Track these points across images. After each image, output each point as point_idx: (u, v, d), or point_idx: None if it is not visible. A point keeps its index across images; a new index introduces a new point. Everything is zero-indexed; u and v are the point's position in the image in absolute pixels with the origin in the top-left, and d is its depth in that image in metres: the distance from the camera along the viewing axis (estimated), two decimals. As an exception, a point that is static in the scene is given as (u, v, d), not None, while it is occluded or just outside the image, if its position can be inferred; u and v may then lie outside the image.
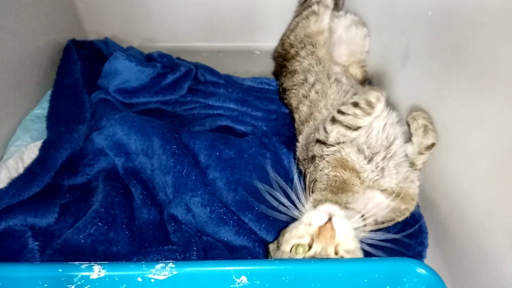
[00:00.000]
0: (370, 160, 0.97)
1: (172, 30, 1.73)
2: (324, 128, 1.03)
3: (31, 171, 1.05)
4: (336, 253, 0.81)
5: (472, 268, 0.92)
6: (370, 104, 1.01)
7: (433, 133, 1.00)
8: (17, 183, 1.01)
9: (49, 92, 1.35)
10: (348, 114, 1.00)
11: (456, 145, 0.97)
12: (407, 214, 0.99)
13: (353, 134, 1.01)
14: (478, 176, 0.89)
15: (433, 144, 1.00)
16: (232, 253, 0.98)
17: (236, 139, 1.17)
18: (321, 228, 0.81)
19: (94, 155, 1.18)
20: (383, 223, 0.95)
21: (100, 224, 1.01)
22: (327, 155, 1.00)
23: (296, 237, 0.83)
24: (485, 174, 0.87)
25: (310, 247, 0.81)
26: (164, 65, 1.41)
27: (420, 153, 1.01)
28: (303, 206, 0.89)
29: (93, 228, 1.00)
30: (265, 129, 1.27)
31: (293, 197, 0.92)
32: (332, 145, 1.01)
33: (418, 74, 1.15)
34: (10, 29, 1.21)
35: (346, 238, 0.82)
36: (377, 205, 0.94)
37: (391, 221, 0.98)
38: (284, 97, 1.31)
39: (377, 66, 1.35)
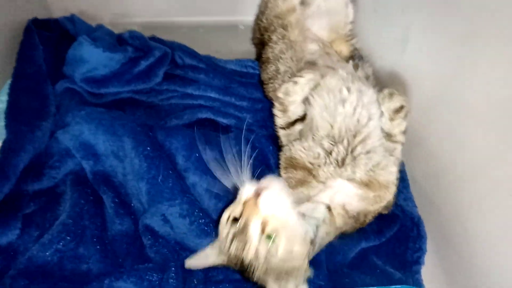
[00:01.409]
0: (329, 153, 0.86)
1: (147, 4, 1.55)
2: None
3: (-13, 182, 0.94)
4: (263, 231, 0.74)
5: (473, 278, 0.85)
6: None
7: (400, 97, 0.91)
8: (-30, 198, 0.90)
9: (9, 82, 1.20)
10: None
11: (461, 145, 0.88)
12: (382, 203, 0.89)
13: (290, 131, 0.95)
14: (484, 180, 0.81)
15: (401, 107, 0.90)
16: (214, 268, 0.89)
17: (217, 136, 1.05)
18: (247, 201, 0.77)
19: (61, 156, 1.05)
20: (358, 214, 0.87)
21: (68, 238, 0.92)
22: (280, 158, 0.93)
23: (231, 209, 0.80)
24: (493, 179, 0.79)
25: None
26: (136, 48, 1.25)
27: (391, 120, 0.91)
28: None
29: (61, 243, 0.91)
30: (251, 121, 1.15)
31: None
32: (284, 146, 0.95)
33: (419, 61, 1.03)
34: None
35: (275, 216, 0.75)
36: (346, 195, 0.85)
37: (366, 213, 0.89)
38: (264, 90, 1.18)
39: (373, 48, 1.22)
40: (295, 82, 0.94)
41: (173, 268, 0.86)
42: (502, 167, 0.76)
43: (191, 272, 0.88)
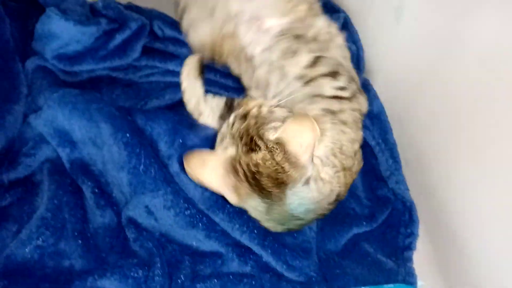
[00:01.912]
0: None
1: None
2: None
3: (-45, 177, 0.88)
4: None
5: (465, 264, 0.84)
6: None
7: None
8: None
9: (-27, 61, 1.11)
10: None
11: (457, 124, 0.84)
12: None
13: None
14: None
15: None
16: (202, 261, 0.87)
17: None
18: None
19: (35, 142, 0.99)
20: None
21: (47, 233, 0.88)
22: None
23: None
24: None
25: None
26: (111, 20, 1.15)
27: None
28: None
29: (40, 239, 0.87)
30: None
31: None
32: None
33: (416, 34, 0.96)
34: None
35: None
36: None
37: None
38: None
39: (363, 18, 1.13)
40: None
41: (158, 264, 0.83)
42: (498, 151, 0.73)
43: (177, 267, 0.85)
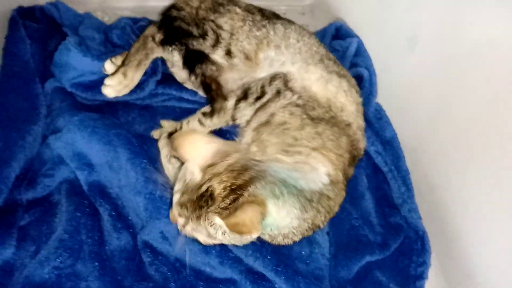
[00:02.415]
0: None
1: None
2: None
3: (-22, 198, 0.91)
4: None
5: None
6: None
7: None
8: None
9: (-5, 82, 1.14)
10: None
11: (469, 156, 0.85)
12: None
13: None
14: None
15: None
16: (215, 287, 0.88)
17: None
18: None
19: (54, 163, 1.01)
20: None
21: (65, 254, 0.90)
22: None
23: None
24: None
25: None
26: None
27: None
28: None
29: (58, 260, 0.88)
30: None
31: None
32: None
33: (430, 62, 0.97)
34: None
35: None
36: None
37: None
38: None
39: (375, 47, 1.15)
40: None
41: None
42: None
43: (192, 293, 0.86)
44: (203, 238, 0.81)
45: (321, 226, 0.87)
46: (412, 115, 1.04)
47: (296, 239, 0.84)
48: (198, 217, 0.77)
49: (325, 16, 1.31)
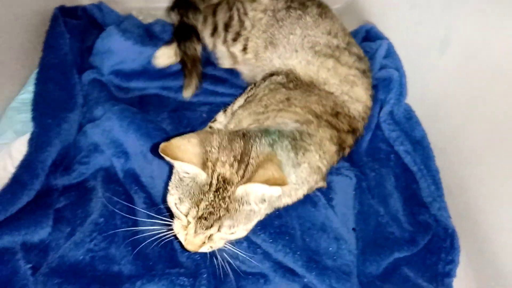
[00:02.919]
0: None
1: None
2: None
3: (17, 180, 0.94)
4: None
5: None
6: None
7: None
8: (3, 197, 0.90)
9: (36, 72, 1.18)
10: None
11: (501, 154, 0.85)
12: None
13: None
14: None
15: None
16: (245, 278, 0.89)
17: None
18: None
19: (89, 151, 1.04)
20: None
21: (100, 237, 0.92)
22: None
23: None
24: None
25: None
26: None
27: None
28: None
29: (92, 243, 0.90)
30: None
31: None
32: None
33: (462, 64, 0.98)
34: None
35: None
36: None
37: None
38: None
39: (406, 46, 1.17)
40: None
41: (204, 275, 0.85)
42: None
43: (222, 281, 0.87)
44: (242, 228, 0.77)
45: (321, 166, 0.89)
46: (443, 115, 1.05)
47: (302, 191, 0.88)
48: (227, 208, 0.73)
49: (356, 18, 1.33)
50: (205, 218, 0.73)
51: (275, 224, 0.92)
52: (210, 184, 0.73)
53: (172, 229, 0.83)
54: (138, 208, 0.97)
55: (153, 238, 0.92)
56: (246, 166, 0.75)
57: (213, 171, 0.74)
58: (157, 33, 1.25)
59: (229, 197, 0.73)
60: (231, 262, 0.90)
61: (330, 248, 0.94)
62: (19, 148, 1.02)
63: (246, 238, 0.89)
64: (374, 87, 1.19)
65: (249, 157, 0.76)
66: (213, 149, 0.76)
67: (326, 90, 1.01)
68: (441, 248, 0.98)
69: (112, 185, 1.00)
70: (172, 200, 0.78)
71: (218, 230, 0.75)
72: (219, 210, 0.73)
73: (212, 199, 0.73)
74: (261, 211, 0.78)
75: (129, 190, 0.99)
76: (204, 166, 0.74)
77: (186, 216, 0.76)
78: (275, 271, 0.89)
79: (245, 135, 0.80)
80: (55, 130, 1.05)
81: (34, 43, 1.23)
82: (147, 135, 0.99)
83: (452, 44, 1.01)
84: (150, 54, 1.17)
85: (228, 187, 0.73)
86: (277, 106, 0.93)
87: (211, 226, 0.74)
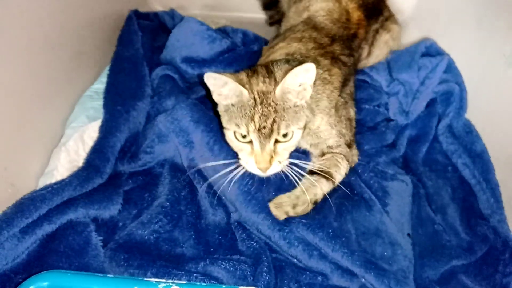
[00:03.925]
0: None
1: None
2: None
3: (91, 164, 1.00)
4: None
5: None
6: None
7: None
8: (79, 175, 0.95)
9: (109, 65, 1.26)
10: None
11: None
12: None
13: None
14: None
15: None
16: (303, 273, 0.91)
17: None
18: None
19: (152, 141, 1.08)
20: None
21: (165, 220, 0.96)
22: None
23: None
24: None
25: None
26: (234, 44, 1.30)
27: None
28: None
29: (158, 224, 0.95)
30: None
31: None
32: None
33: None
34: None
35: None
36: None
37: None
38: None
39: (475, 62, 1.19)
40: None
41: (265, 263, 0.87)
42: None
43: (281, 272, 0.89)
44: (296, 128, 0.89)
45: (326, 77, 1.03)
46: (507, 129, 1.05)
47: (324, 102, 1.01)
48: (276, 110, 0.86)
49: (417, 32, 1.37)
50: (264, 127, 0.86)
51: (332, 225, 0.93)
52: (254, 99, 0.86)
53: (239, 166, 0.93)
54: (201, 197, 1.01)
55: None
56: (275, 79, 0.90)
57: (251, 90, 0.88)
58: (229, 32, 1.32)
59: (272, 101, 0.87)
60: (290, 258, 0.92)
61: (385, 253, 0.94)
62: (91, 134, 1.09)
63: (302, 240, 0.91)
64: (433, 100, 1.21)
65: (274, 73, 0.91)
66: (244, 78, 0.91)
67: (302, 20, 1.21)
68: (499, 260, 0.96)
69: (178, 173, 1.04)
70: (231, 134, 0.91)
71: (278, 133, 0.87)
72: (270, 114, 0.86)
73: (261, 109, 0.86)
74: (304, 108, 0.91)
75: (192, 180, 1.03)
76: (244, 86, 0.87)
77: (248, 135, 0.87)
78: (332, 271, 0.89)
79: (266, 65, 0.96)
80: (124, 116, 1.11)
81: (109, 41, 1.32)
82: (217, 130, 1.02)
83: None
84: (220, 44, 1.25)
85: (269, 95, 0.87)
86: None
87: (271, 132, 0.86)
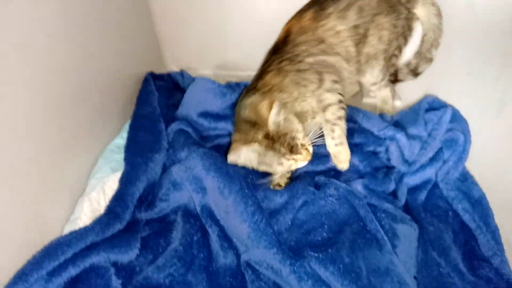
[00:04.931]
0: None
1: (245, 58, 1.70)
2: None
3: (112, 211, 1.07)
4: None
5: None
6: None
7: None
8: (102, 222, 1.03)
9: (129, 122, 1.37)
10: None
11: None
12: None
13: None
14: None
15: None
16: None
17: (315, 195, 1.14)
18: None
19: (168, 189, 1.17)
20: None
21: (178, 264, 1.02)
22: None
23: None
24: None
25: None
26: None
27: None
28: None
29: (172, 268, 1.00)
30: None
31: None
32: None
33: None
34: (101, 59, 1.26)
35: None
36: None
37: None
38: None
39: (467, 108, 1.27)
40: None
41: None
42: None
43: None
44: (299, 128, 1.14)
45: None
46: (502, 174, 1.11)
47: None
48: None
49: (415, 90, 1.46)
50: (291, 148, 1.12)
51: (344, 260, 0.97)
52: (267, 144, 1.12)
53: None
54: (212, 240, 1.08)
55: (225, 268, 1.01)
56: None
57: (258, 142, 1.12)
58: (233, 86, 1.45)
59: (275, 134, 1.12)
60: None
61: (393, 293, 0.97)
62: (111, 186, 1.17)
63: (312, 275, 0.95)
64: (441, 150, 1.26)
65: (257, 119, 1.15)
66: (251, 136, 1.15)
67: None
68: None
69: (191, 218, 1.12)
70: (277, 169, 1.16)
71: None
72: (285, 139, 1.12)
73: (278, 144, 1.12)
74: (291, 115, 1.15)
75: (205, 224, 1.10)
76: (252, 144, 1.12)
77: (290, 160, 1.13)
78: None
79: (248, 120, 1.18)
80: (143, 167, 1.20)
81: (129, 99, 1.45)
82: (226, 174, 1.10)
83: (509, 104, 1.10)
84: (232, 96, 1.39)
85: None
86: None
87: (297, 145, 1.13)
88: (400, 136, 1.25)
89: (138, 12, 1.53)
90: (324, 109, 1.21)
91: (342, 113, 1.21)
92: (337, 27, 1.24)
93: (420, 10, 1.32)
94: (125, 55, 1.42)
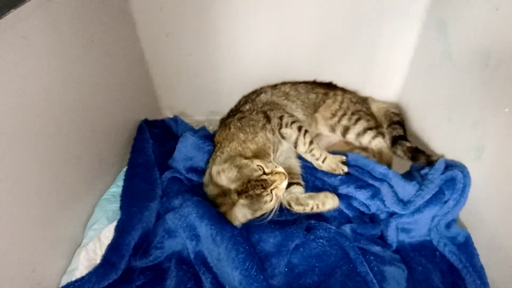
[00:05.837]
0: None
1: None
2: None
3: (108, 260, 1.10)
4: None
5: None
6: None
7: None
8: (97, 272, 1.06)
9: (124, 170, 1.42)
10: None
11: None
12: None
13: None
14: None
15: None
16: None
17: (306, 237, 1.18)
18: None
19: (162, 237, 1.20)
20: None
21: (172, 314, 1.03)
22: None
23: None
24: None
25: None
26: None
27: None
28: None
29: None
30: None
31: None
32: None
33: (494, 170, 1.12)
34: (97, 109, 1.31)
35: None
36: None
37: None
38: None
39: (449, 155, 1.33)
40: None
41: None
42: None
43: None
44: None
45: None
46: (484, 215, 1.15)
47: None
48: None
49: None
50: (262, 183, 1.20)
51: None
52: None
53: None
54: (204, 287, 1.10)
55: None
56: None
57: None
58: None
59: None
60: None
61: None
62: (106, 234, 1.20)
63: None
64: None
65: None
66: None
67: None
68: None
69: (184, 266, 1.14)
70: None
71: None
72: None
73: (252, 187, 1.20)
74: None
75: (198, 271, 1.12)
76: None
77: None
78: None
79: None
80: (138, 216, 1.23)
81: (124, 146, 1.50)
82: (219, 222, 1.14)
83: (487, 150, 1.15)
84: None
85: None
86: None
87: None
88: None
89: (134, 61, 1.61)
90: (294, 145, 1.36)
91: (305, 132, 1.37)
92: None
93: None
94: (120, 104, 1.49)
